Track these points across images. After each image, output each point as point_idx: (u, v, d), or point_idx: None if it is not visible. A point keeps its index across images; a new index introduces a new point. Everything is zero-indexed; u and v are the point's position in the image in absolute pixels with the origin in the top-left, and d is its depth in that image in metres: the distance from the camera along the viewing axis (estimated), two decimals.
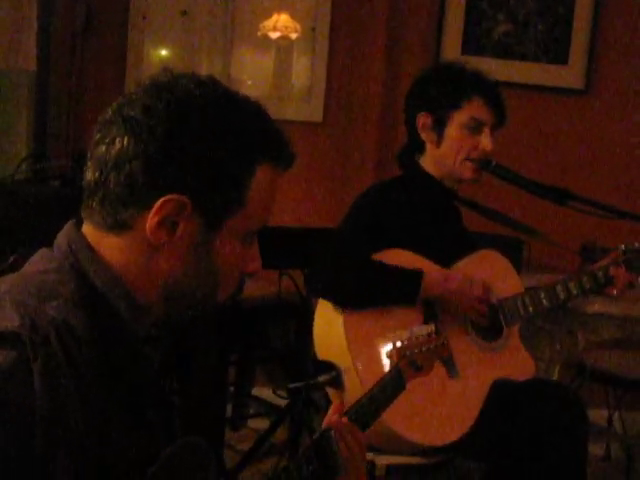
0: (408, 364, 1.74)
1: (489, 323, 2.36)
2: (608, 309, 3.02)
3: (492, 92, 2.41)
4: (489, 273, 2.42)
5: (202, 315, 1.22)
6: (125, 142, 1.10)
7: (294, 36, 4.02)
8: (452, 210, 2.53)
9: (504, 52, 4.07)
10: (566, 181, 2.97)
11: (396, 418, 2.07)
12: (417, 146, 2.46)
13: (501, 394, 2.28)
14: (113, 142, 1.11)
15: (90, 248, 1.14)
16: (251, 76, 4.11)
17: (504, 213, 2.64)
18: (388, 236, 2.28)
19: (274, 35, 4.00)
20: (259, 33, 4.01)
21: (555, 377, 3.05)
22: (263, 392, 3.92)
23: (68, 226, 1.19)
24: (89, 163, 1.14)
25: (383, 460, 2.23)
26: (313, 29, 4.05)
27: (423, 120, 2.41)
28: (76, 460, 1.02)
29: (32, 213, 2.68)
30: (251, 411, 3.89)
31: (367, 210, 2.33)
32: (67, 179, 3.11)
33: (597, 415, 3.53)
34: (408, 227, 2.32)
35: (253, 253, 1.23)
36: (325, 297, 2.26)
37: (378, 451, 2.22)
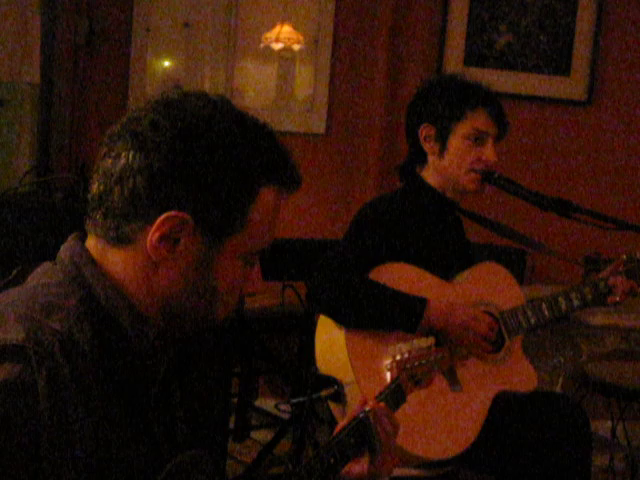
0: (408, 377, 1.74)
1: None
2: (611, 320, 3.02)
3: (495, 103, 2.41)
4: (490, 285, 2.41)
5: (201, 332, 1.22)
6: (131, 157, 1.10)
7: (297, 48, 4.02)
8: (454, 222, 2.52)
9: (506, 63, 4.07)
10: (569, 192, 2.97)
11: (399, 432, 2.06)
12: (419, 158, 2.45)
13: (504, 406, 2.28)
14: (119, 156, 1.11)
15: (93, 262, 1.15)
16: (254, 87, 4.10)
17: (506, 225, 2.64)
18: (390, 249, 2.27)
19: (277, 47, 4.00)
20: (262, 45, 4.02)
21: (558, 388, 3.05)
22: (266, 403, 3.91)
23: (71, 239, 1.19)
24: (94, 176, 1.15)
25: None
26: (316, 41, 4.05)
27: (426, 131, 2.41)
28: (81, 472, 1.02)
29: (35, 226, 2.68)
30: (254, 422, 3.88)
31: (368, 225, 2.31)
32: (70, 192, 3.11)
33: (600, 426, 3.53)
34: (410, 240, 2.31)
35: (254, 273, 1.23)
36: (326, 315, 2.25)
37: None
